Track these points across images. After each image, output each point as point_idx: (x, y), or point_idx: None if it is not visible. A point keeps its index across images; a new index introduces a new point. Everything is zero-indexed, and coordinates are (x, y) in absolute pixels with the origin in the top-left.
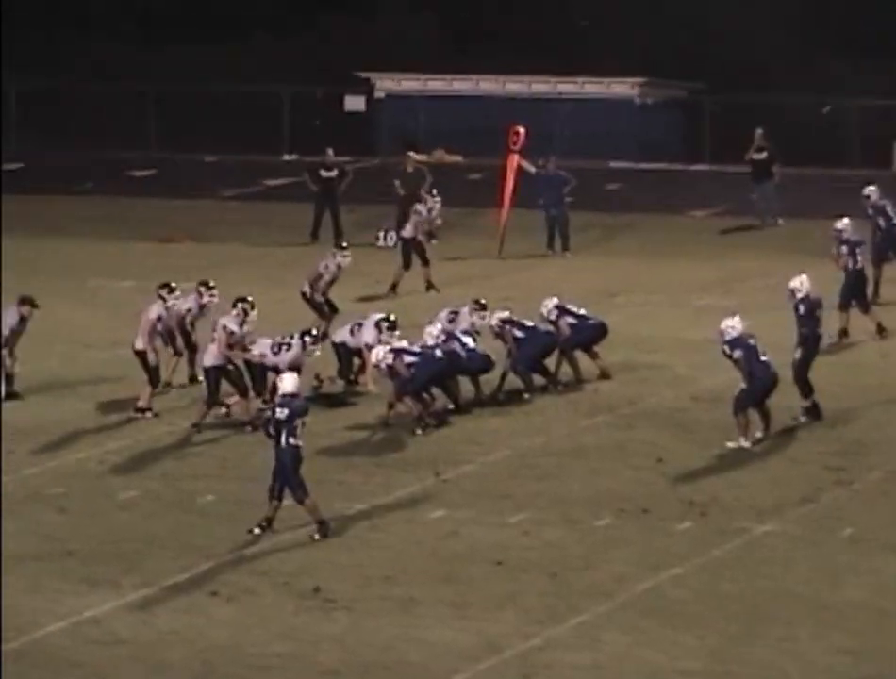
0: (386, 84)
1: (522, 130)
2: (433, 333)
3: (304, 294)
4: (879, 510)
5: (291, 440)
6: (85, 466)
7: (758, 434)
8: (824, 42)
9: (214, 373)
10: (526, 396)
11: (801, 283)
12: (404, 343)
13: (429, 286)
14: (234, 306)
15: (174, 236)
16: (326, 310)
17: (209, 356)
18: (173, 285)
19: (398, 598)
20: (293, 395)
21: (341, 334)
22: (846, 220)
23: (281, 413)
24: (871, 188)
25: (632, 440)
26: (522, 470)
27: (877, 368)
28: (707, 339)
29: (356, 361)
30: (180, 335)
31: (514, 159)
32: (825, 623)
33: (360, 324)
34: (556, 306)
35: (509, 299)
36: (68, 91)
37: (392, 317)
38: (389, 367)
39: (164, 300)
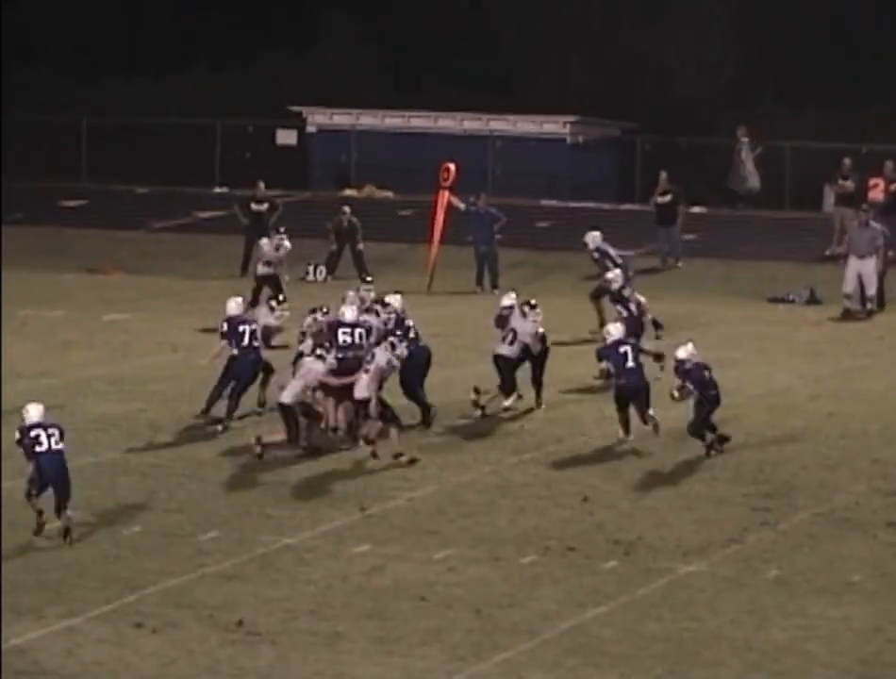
0: (318, 119)
1: (452, 167)
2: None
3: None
4: (805, 552)
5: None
6: (10, 494)
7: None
8: (760, 84)
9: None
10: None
11: (686, 352)
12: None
13: None
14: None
15: (105, 267)
16: None
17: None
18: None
19: (323, 632)
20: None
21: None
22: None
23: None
24: (593, 234)
25: (559, 479)
26: (450, 506)
27: (804, 411)
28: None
29: None
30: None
31: (444, 196)
32: (750, 665)
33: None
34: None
35: (438, 335)
36: None
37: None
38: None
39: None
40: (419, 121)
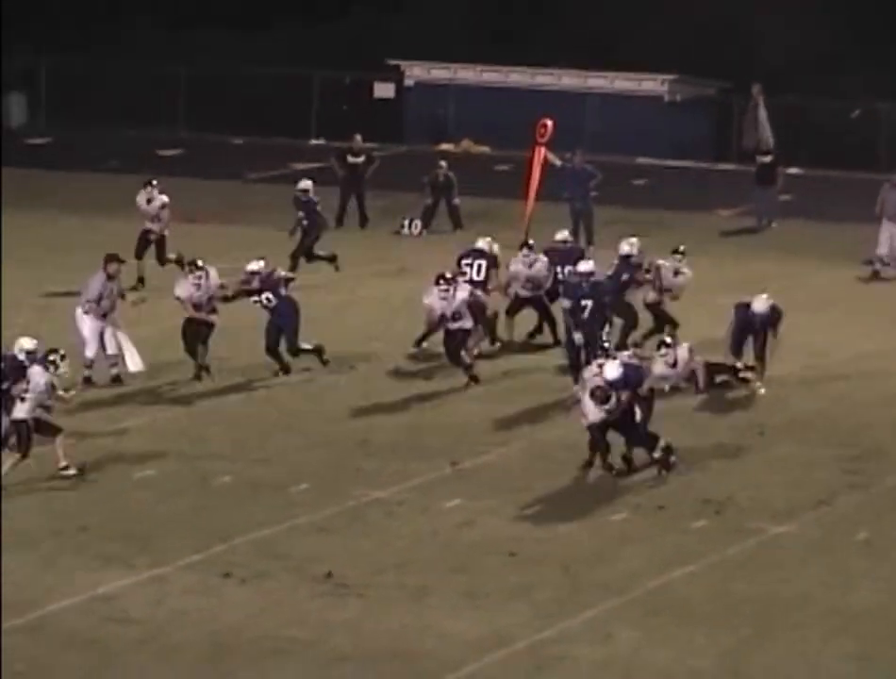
0: (416, 72)
1: (549, 123)
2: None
3: None
4: (895, 516)
5: None
6: (101, 443)
7: None
8: (857, 46)
9: None
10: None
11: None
12: None
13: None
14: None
15: (199, 216)
16: None
17: None
18: None
19: (411, 586)
20: None
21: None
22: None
23: None
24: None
25: None
26: (540, 462)
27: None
28: None
29: None
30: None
31: (541, 152)
32: (837, 628)
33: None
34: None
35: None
36: (99, 69)
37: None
38: None
39: None
40: (517, 76)
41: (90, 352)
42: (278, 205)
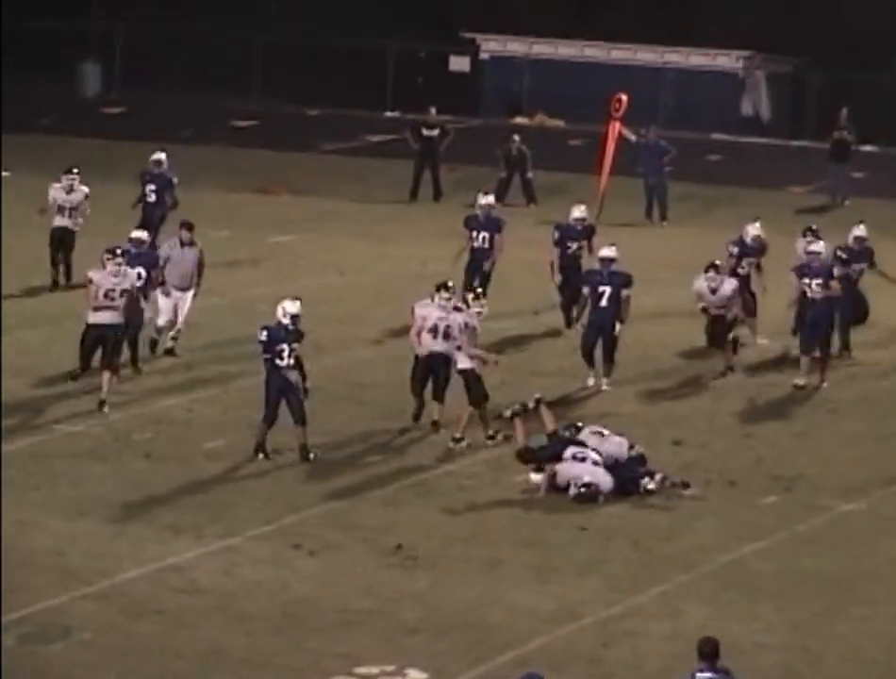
0: (491, 46)
1: (624, 98)
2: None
3: None
4: None
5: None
6: (173, 413)
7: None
8: None
9: None
10: None
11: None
12: None
13: None
14: None
15: (272, 187)
16: None
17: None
18: None
19: (481, 559)
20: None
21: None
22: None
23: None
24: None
25: (720, 412)
26: None
27: None
28: None
29: None
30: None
31: (615, 127)
32: None
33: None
34: None
35: None
36: (174, 38)
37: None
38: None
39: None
40: (592, 50)
41: (162, 320)
42: (352, 176)
